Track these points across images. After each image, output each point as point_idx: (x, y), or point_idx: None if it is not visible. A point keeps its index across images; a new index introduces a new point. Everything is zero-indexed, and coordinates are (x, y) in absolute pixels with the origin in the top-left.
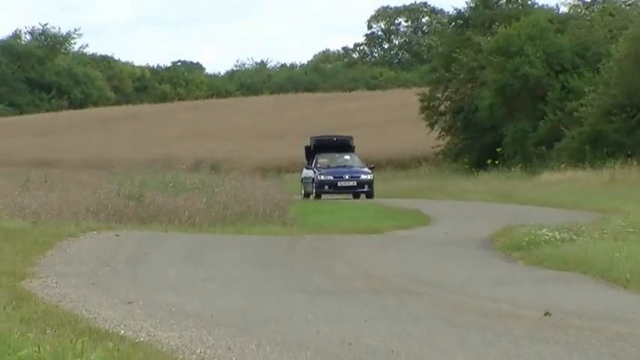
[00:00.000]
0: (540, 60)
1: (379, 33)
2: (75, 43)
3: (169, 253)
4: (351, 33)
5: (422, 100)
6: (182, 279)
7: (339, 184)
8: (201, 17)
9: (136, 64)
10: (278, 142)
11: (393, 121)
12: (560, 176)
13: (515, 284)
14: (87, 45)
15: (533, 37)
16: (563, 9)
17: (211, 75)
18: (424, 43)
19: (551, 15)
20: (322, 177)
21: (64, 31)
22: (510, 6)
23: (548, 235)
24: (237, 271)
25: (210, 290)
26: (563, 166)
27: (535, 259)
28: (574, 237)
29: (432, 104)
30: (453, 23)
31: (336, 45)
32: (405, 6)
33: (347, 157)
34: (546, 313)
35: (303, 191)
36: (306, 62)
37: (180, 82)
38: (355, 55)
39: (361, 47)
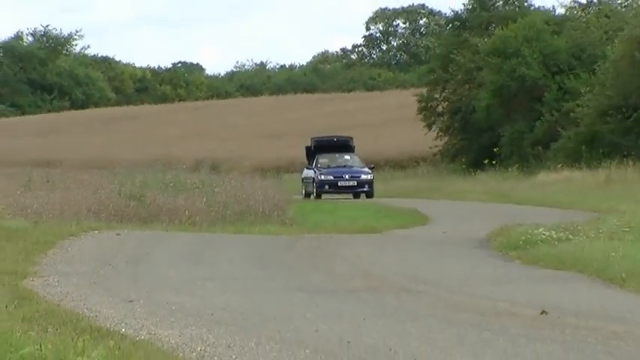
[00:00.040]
0: (537, 61)
1: (377, 34)
2: (76, 45)
3: (170, 252)
4: (349, 34)
5: (420, 101)
6: (182, 278)
7: (339, 184)
8: (201, 19)
9: (137, 65)
10: (277, 142)
11: (391, 121)
12: (556, 176)
13: (512, 283)
14: (88, 46)
15: (529, 38)
16: (560, 11)
17: (211, 76)
18: (422, 45)
19: (547, 17)
20: (323, 177)
21: (65, 33)
22: (507, 8)
23: (544, 235)
24: (237, 270)
25: (210, 289)
26: (559, 166)
27: (532, 258)
28: (570, 236)
29: (429, 105)
30: (450, 25)
31: (334, 46)
32: (402, 8)
33: (347, 157)
34: (543, 312)
35: (303, 191)
36: (305, 63)
37: (180, 83)
38: (354, 57)
39: (360, 48)
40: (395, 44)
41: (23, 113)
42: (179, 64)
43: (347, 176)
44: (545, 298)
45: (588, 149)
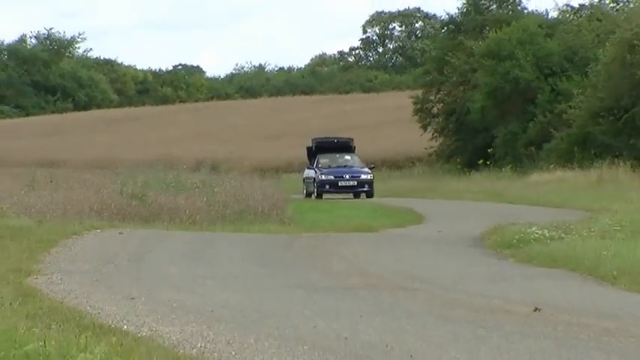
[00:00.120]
0: (530, 64)
1: (374, 37)
2: (79, 47)
3: (171, 250)
4: (346, 37)
5: (415, 103)
6: (183, 276)
7: (339, 184)
8: (201, 22)
9: (139, 67)
10: (276, 143)
11: (388, 122)
12: (549, 176)
13: (506, 281)
14: (91, 49)
15: (523, 41)
16: (553, 14)
17: (211, 78)
18: (417, 47)
19: (540, 20)
20: (323, 177)
21: (68, 36)
22: (501, 11)
23: (537, 234)
24: (237, 269)
25: (210, 287)
26: (552, 166)
27: (525, 256)
28: (563, 235)
29: (425, 106)
30: (445, 28)
31: (332, 49)
32: (399, 11)
33: (347, 157)
34: (536, 309)
35: (305, 191)
36: (303, 66)
37: (181, 85)
38: (351, 59)
39: (356, 51)
40: (391, 47)
41: (27, 114)
42: (180, 67)
43: (347, 176)
44: (538, 295)
45: (580, 150)
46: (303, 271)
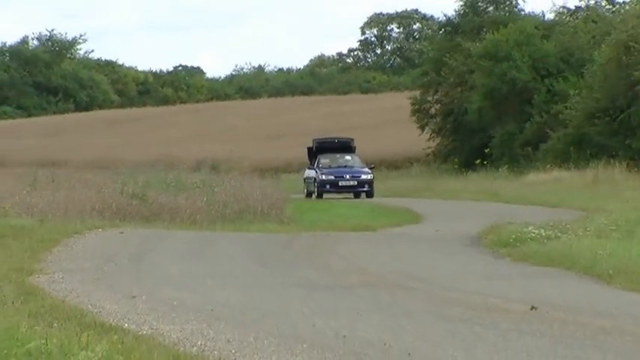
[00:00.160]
0: (527, 65)
1: (372, 39)
2: (80, 49)
3: (171, 250)
4: (345, 39)
5: (413, 103)
6: (183, 275)
7: (340, 184)
8: (201, 24)
9: (139, 68)
10: (275, 143)
11: (386, 123)
12: (545, 176)
13: (503, 279)
14: (92, 50)
15: (520, 42)
16: (549, 16)
17: (211, 79)
18: (415, 49)
19: (537, 22)
20: (324, 177)
21: (69, 37)
22: (498, 13)
23: (534, 233)
24: (236, 268)
25: (210, 285)
26: (548, 166)
27: (521, 255)
28: (559, 234)
29: (422, 107)
30: (442, 29)
31: (331, 50)
32: (397, 13)
33: (348, 157)
34: (532, 307)
35: (305, 190)
36: (302, 67)
37: (181, 86)
38: (349, 60)
39: (355, 52)
40: (389, 48)
41: (29, 115)
42: (180, 68)
43: (347, 176)
44: (534, 294)
45: (576, 150)
46: (302, 270)
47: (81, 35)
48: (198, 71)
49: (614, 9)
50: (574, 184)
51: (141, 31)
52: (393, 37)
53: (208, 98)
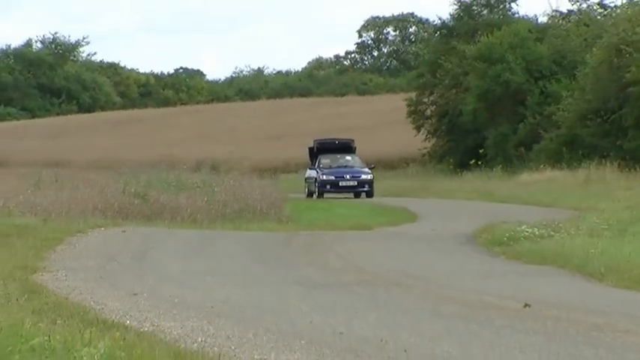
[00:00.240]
0: (520, 67)
1: (369, 42)
2: (83, 51)
3: (172, 248)
4: (342, 42)
5: (409, 105)
6: (184, 273)
7: (340, 184)
8: (202, 27)
9: (141, 70)
10: (275, 143)
11: (382, 124)
12: (538, 176)
13: (497, 277)
14: (95, 53)
15: (513, 45)
16: (542, 19)
17: (211, 81)
18: (411, 51)
19: (530, 25)
20: (324, 177)
21: (73, 40)
22: (492, 16)
23: (527, 232)
24: (236, 266)
25: (210, 283)
26: (541, 166)
27: (515, 253)
28: (552, 233)
29: (418, 108)
30: (438, 32)
31: (328, 53)
32: (393, 16)
33: (348, 157)
34: (526, 305)
35: (306, 190)
36: (300, 69)
37: (182, 88)
38: (346, 63)
39: (352, 55)
40: (386, 51)
41: (33, 116)
42: (181, 70)
43: (348, 176)
44: (528, 291)
45: (569, 150)
46: (301, 268)
47: (84, 38)
48: (198, 73)
49: (605, 13)
50: (566, 184)
51: (142, 34)
52: (390, 40)
53: (208, 100)
